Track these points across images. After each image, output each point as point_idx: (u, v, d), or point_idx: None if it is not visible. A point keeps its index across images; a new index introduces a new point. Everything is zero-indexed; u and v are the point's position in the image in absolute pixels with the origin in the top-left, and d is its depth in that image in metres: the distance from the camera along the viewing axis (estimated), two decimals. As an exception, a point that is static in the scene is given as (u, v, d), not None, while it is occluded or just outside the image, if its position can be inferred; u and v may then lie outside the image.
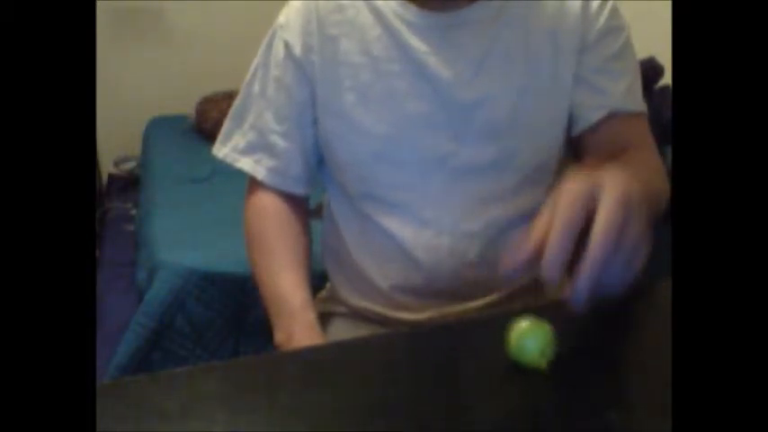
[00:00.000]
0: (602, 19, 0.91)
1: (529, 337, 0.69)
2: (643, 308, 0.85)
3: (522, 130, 0.90)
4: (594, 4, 0.90)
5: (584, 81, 0.91)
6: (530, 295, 0.99)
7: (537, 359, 0.68)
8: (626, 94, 0.93)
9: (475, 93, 0.89)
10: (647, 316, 0.83)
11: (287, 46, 0.94)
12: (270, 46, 0.97)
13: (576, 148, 0.97)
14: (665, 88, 1.70)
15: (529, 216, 0.94)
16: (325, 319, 1.03)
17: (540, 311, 0.75)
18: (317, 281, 1.04)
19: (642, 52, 1.44)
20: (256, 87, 0.98)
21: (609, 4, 0.91)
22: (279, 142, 0.97)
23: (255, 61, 0.99)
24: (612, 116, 0.92)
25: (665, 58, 1.65)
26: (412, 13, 0.89)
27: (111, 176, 3.10)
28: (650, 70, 1.65)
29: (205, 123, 2.74)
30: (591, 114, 0.92)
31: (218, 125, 1.05)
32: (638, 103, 0.95)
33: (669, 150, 1.60)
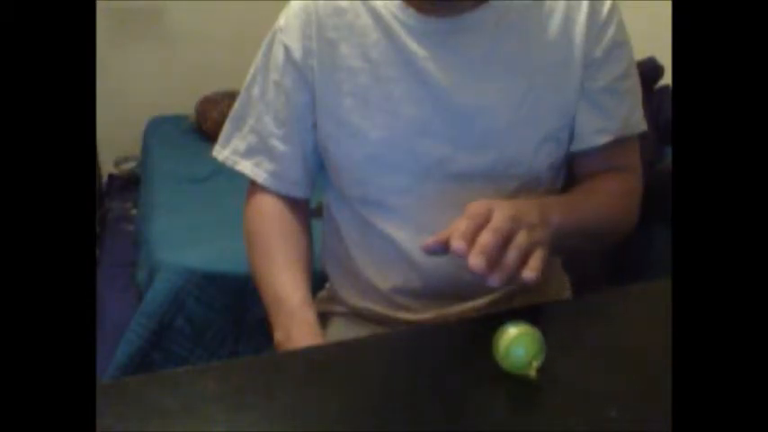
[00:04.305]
0: (610, 33, 0.89)
1: (517, 345, 0.68)
2: (642, 308, 0.85)
3: (520, 138, 0.90)
4: (603, 16, 0.89)
5: (590, 99, 0.91)
6: (529, 296, 0.99)
7: (525, 367, 0.67)
8: (629, 116, 0.93)
9: (474, 99, 0.88)
10: (646, 316, 0.83)
11: (286, 50, 0.94)
12: (269, 49, 0.97)
13: (569, 159, 0.97)
14: (665, 88, 1.70)
15: None
16: (324, 318, 1.03)
17: (535, 313, 0.75)
18: (317, 281, 1.04)
19: (642, 52, 1.44)
20: (256, 91, 0.98)
21: (616, 18, 0.90)
22: (278, 146, 0.97)
23: (255, 64, 0.99)
24: (612, 140, 0.93)
25: (665, 58, 1.65)
26: (412, 17, 0.89)
27: (111, 176, 3.10)
28: (650, 70, 1.65)
29: (205, 123, 2.73)
30: (592, 137, 0.92)
31: (218, 125, 1.05)
32: (638, 125, 0.95)
33: (669, 150, 1.61)
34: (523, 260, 0.72)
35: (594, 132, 0.92)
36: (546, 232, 0.77)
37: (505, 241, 0.72)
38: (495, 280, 0.70)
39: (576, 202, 0.91)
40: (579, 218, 0.87)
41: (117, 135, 2.96)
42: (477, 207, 0.74)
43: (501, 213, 0.73)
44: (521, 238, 0.72)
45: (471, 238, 0.71)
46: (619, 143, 0.93)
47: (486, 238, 0.71)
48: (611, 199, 0.93)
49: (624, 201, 0.95)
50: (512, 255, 0.71)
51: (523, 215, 0.75)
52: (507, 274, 0.71)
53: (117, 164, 3.07)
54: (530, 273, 0.71)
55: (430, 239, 0.74)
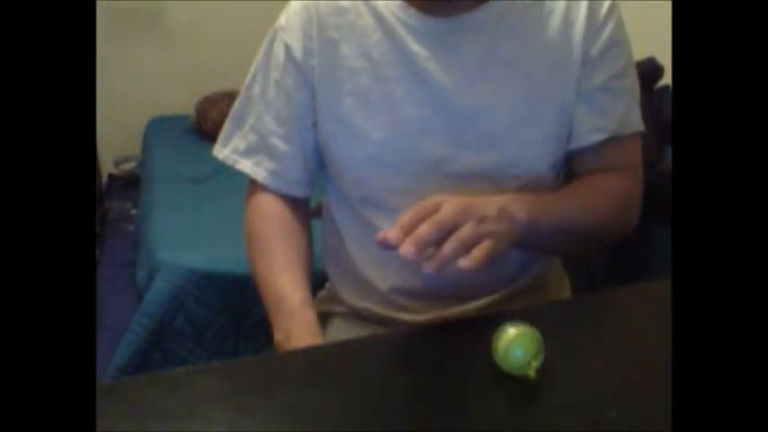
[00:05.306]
0: (608, 31, 0.89)
1: (516, 346, 0.68)
2: (642, 308, 0.85)
3: (520, 138, 0.90)
4: (601, 16, 0.89)
5: (586, 97, 0.91)
6: (529, 296, 0.99)
7: (524, 368, 0.67)
8: (625, 115, 0.93)
9: (474, 99, 0.88)
10: (646, 316, 0.83)
11: (287, 49, 0.94)
12: (270, 48, 0.97)
13: (567, 158, 0.96)
14: (665, 88, 1.69)
15: None
16: (324, 318, 1.03)
17: (535, 313, 0.75)
18: (317, 281, 1.04)
19: (642, 52, 1.44)
20: (256, 89, 0.98)
21: (614, 17, 0.90)
22: (279, 145, 0.97)
23: (256, 63, 0.99)
24: (608, 139, 0.92)
25: (665, 58, 1.65)
26: (413, 17, 0.89)
27: (111, 176, 3.10)
28: (650, 70, 1.65)
29: (205, 123, 2.74)
30: (588, 136, 0.92)
31: (218, 125, 1.05)
32: (635, 125, 0.95)
33: (669, 150, 1.60)
34: (466, 250, 0.74)
35: (590, 131, 0.92)
36: (502, 227, 0.78)
37: (448, 233, 0.74)
38: (428, 267, 0.73)
39: (559, 200, 0.91)
40: (561, 217, 0.87)
41: (117, 135, 2.97)
42: (427, 201, 0.77)
43: (449, 206, 0.75)
44: (464, 230, 0.75)
45: (411, 230, 0.74)
46: (615, 142, 0.93)
47: (422, 228, 0.73)
48: (606, 198, 0.92)
49: (621, 200, 0.94)
50: (449, 245, 0.73)
51: (474, 208, 0.77)
52: (442, 262, 0.73)
53: (117, 164, 3.08)
54: (464, 261, 0.73)
55: (380, 233, 0.76)
